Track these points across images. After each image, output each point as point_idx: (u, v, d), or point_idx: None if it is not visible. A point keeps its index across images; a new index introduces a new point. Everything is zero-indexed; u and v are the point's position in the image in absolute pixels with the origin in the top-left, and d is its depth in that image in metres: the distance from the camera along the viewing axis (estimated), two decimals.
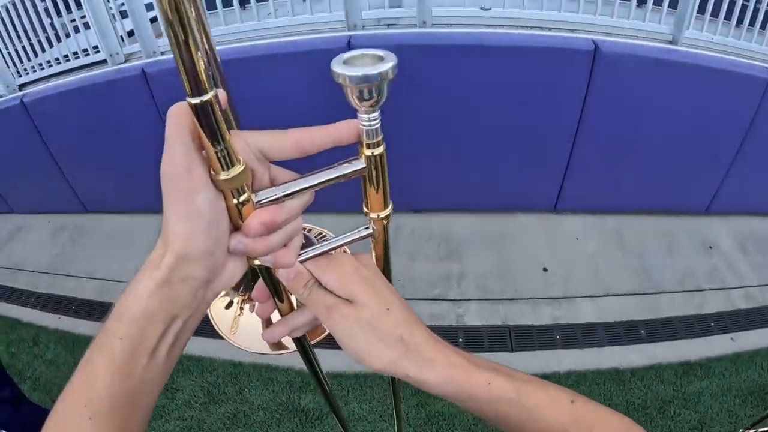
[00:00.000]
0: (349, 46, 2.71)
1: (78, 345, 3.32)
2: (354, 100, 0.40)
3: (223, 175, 0.38)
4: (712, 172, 3.26)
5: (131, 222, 4.27)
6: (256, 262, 0.46)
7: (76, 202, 4.39)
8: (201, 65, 0.34)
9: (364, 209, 0.49)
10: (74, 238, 4.35)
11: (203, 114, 0.35)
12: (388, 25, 2.90)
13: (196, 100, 0.35)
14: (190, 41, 0.33)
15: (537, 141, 3.01)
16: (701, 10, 2.90)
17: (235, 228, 0.43)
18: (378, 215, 0.50)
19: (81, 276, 3.90)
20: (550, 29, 2.88)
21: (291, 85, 2.91)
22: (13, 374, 3.19)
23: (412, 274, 3.11)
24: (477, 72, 2.74)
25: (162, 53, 3.21)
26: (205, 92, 0.35)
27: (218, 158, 0.37)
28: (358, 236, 0.53)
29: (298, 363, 2.74)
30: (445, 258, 3.17)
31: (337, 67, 0.38)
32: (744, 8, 2.86)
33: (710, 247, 3.23)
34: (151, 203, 4.08)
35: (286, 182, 0.43)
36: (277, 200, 0.42)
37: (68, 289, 3.83)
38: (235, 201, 0.40)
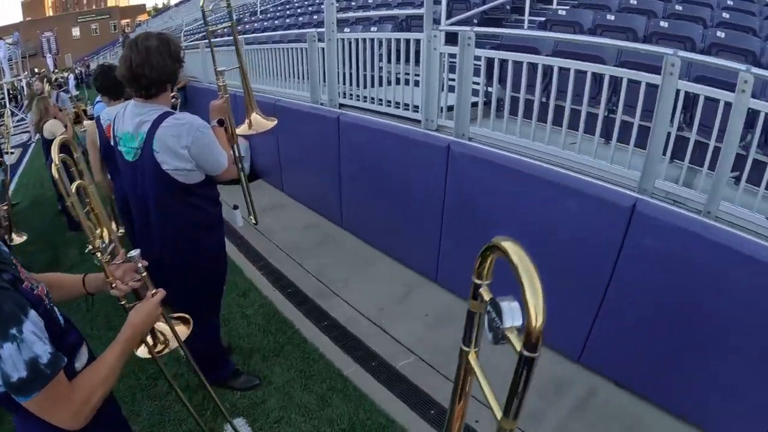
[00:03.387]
0: (634, 208, 2.73)
1: (276, 320, 3.82)
2: None
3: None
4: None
5: (373, 255, 4.74)
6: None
7: (337, 214, 5.11)
8: None
9: None
10: (320, 240, 5.03)
11: None
12: (674, 201, 2.85)
13: None
14: None
15: None
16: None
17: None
18: None
19: (309, 271, 4.52)
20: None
21: (562, 217, 3.04)
22: None
23: None
24: (745, 281, 2.52)
25: (470, 138, 3.62)
26: None
27: None
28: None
29: None
30: None
31: None
32: None
33: None
34: (398, 251, 4.50)
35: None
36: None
37: (294, 275, 4.46)
38: None
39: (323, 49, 4.86)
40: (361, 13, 6.99)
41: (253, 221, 3.26)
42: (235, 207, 5.23)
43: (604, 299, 3.03)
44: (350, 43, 4.64)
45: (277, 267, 4.58)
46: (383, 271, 4.49)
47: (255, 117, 2.81)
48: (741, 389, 2.74)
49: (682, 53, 2.75)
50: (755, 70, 2.56)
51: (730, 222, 2.71)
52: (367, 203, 4.62)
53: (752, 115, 2.68)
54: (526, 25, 6.07)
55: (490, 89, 3.91)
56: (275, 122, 2.85)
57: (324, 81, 5.05)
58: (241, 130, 2.76)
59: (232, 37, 2.80)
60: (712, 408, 2.91)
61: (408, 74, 4.26)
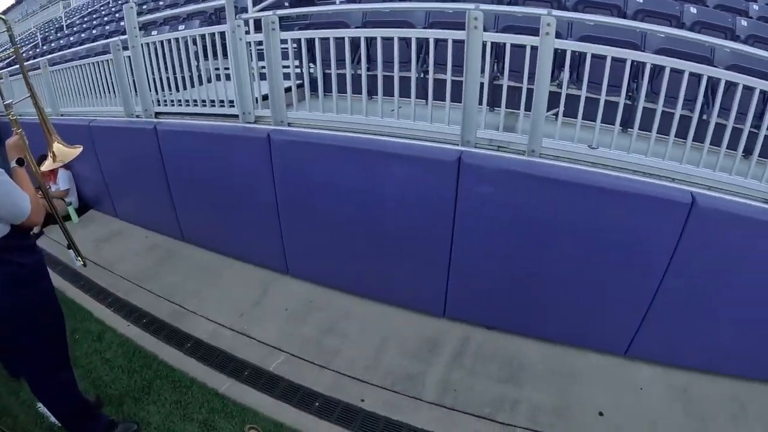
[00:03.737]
0: (460, 160, 2.88)
1: (137, 356, 3.53)
2: None
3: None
4: None
5: (221, 262, 4.57)
6: None
7: (176, 228, 4.78)
8: None
9: None
10: (164, 260, 4.70)
11: None
12: (498, 147, 3.06)
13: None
14: None
15: (620, 283, 3.00)
16: None
17: None
18: None
19: (160, 295, 4.19)
20: (651, 175, 2.94)
21: (393, 183, 3.12)
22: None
23: (469, 388, 3.11)
24: (574, 206, 2.83)
25: (289, 124, 3.54)
26: None
27: None
28: None
29: None
30: (504, 380, 3.16)
31: None
32: None
33: None
34: (245, 252, 4.44)
35: None
36: None
37: (145, 303, 4.11)
38: None
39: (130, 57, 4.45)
40: (166, 12, 6.49)
41: (81, 263, 3.01)
42: (69, 246, 4.68)
43: (452, 251, 3.19)
44: (156, 46, 4.29)
45: (127, 300, 4.20)
46: (234, 276, 4.35)
47: (57, 147, 2.48)
48: (587, 302, 3.08)
49: (484, 6, 2.88)
50: (556, 12, 2.76)
51: (555, 156, 2.96)
52: (203, 211, 4.41)
53: (561, 55, 2.91)
54: (338, 0, 6.07)
55: (311, 71, 3.86)
56: (80, 149, 2.56)
57: (135, 91, 4.64)
58: (46, 166, 2.47)
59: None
60: (568, 323, 3.25)
61: (226, 69, 4.04)
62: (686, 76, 2.75)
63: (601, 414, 2.95)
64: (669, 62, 2.79)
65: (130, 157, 4.71)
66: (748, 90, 2.71)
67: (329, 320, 3.69)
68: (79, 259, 2.96)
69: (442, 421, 2.88)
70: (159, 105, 4.51)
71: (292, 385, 3.21)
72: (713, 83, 2.93)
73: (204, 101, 4.13)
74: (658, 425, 2.88)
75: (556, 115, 3.03)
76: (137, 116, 4.70)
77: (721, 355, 3.14)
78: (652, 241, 2.85)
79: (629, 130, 3.01)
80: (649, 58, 2.84)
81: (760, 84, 2.71)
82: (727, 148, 2.82)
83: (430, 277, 3.37)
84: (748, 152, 2.88)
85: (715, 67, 2.97)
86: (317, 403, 3.07)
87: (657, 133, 2.86)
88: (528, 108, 2.94)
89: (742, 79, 2.73)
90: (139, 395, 3.21)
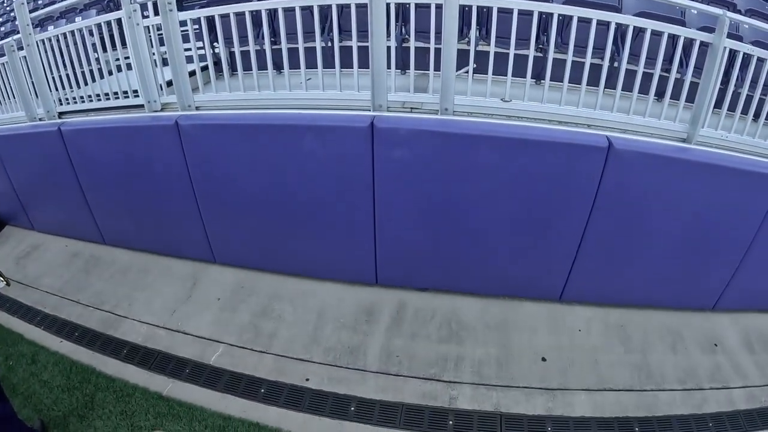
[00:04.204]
0: (372, 126, 2.82)
1: (75, 371, 3.36)
2: None
3: None
4: (720, 270, 3.26)
5: (146, 261, 4.37)
6: None
7: (95, 232, 4.52)
8: None
9: None
10: (88, 268, 4.46)
11: None
12: (411, 108, 3.02)
13: None
14: None
15: (546, 230, 3.07)
16: (718, 104, 2.96)
17: None
18: None
19: (89, 305, 3.98)
20: (566, 123, 2.97)
21: (308, 156, 3.03)
22: (7, 387, 3.24)
23: (411, 353, 3.13)
24: (491, 160, 2.83)
25: (197, 108, 3.36)
26: None
27: None
28: None
29: (285, 425, 2.76)
30: (445, 340, 3.19)
31: None
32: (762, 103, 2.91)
33: (715, 345, 3.19)
34: (169, 246, 4.26)
35: None
36: None
37: (74, 315, 3.90)
38: None
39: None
40: (59, 5, 6.02)
41: (3, 283, 2.82)
42: None
43: (376, 217, 3.15)
44: (53, 42, 3.97)
45: (55, 315, 3.97)
46: (162, 273, 4.20)
47: None
48: (516, 253, 3.11)
49: None
50: None
51: (468, 113, 2.93)
52: (120, 210, 4.19)
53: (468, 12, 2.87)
54: None
55: (215, 50, 3.67)
56: None
57: (36, 93, 4.30)
58: None
59: None
60: (500, 276, 3.29)
61: (127, 58, 3.79)
62: (594, 24, 2.77)
63: (543, 359, 3.03)
64: (577, 12, 2.80)
65: (38, 163, 4.38)
66: (657, 35, 2.76)
67: (262, 304, 3.62)
68: (1, 279, 2.78)
69: (390, 388, 2.89)
70: (62, 104, 4.20)
71: (235, 375, 3.14)
72: (622, 30, 2.98)
73: (107, 95, 3.87)
74: (600, 363, 2.98)
75: (468, 72, 3.01)
76: (40, 119, 4.36)
77: (651, 289, 3.27)
78: (573, 186, 2.91)
79: (542, 82, 3.02)
80: (558, 9, 2.85)
81: (667, 28, 2.77)
82: (641, 93, 2.88)
83: (358, 246, 3.34)
84: (661, 95, 2.95)
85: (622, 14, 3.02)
86: (263, 390, 3.02)
87: (569, 83, 2.89)
88: (437, 68, 2.90)
89: (650, 25, 2.79)
90: (84, 412, 3.10)
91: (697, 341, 3.16)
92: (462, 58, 2.87)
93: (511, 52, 2.85)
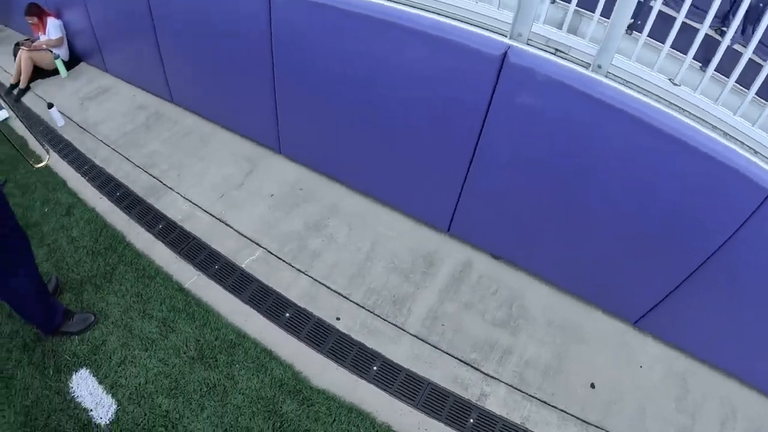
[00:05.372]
0: (505, 57, 2.21)
1: (104, 236, 3.23)
2: None
3: None
4: None
5: (209, 131, 4.07)
6: None
7: (165, 88, 4.24)
8: None
9: None
10: (150, 123, 4.23)
11: None
12: (556, 50, 2.37)
13: None
14: None
15: (665, 248, 2.42)
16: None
17: None
18: None
19: (139, 165, 3.80)
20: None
21: (414, 68, 2.47)
22: (35, 235, 3.11)
23: (459, 325, 2.73)
24: (651, 159, 2.16)
25: None
26: None
27: None
28: None
29: (299, 363, 2.48)
30: (500, 323, 2.76)
31: None
32: None
33: None
34: (236, 121, 3.90)
35: None
36: None
37: (122, 173, 3.74)
38: None
39: None
40: None
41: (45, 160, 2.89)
42: (50, 105, 4.24)
43: (472, 164, 2.64)
44: None
45: (104, 168, 3.81)
46: (221, 147, 3.88)
47: None
48: (616, 258, 2.55)
49: None
50: None
51: (625, 81, 2.29)
52: (192, 70, 3.80)
53: None
54: None
55: None
56: None
57: None
58: None
59: None
60: (584, 274, 2.76)
61: None
62: None
63: (593, 386, 2.59)
64: None
65: (118, 4, 4.06)
66: None
67: (316, 215, 3.28)
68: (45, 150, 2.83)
69: (422, 359, 2.55)
70: None
71: (264, 288, 2.89)
72: None
73: None
74: (647, 412, 2.52)
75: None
76: None
77: (728, 353, 2.65)
78: None
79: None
80: None
81: None
82: None
83: (440, 187, 2.84)
84: None
85: None
86: (288, 314, 2.75)
87: None
88: (606, 13, 2.21)
89: None
90: (101, 282, 2.99)
91: (747, 425, 2.59)
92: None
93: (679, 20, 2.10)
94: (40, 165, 3.02)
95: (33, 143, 4.01)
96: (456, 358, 2.56)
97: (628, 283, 2.65)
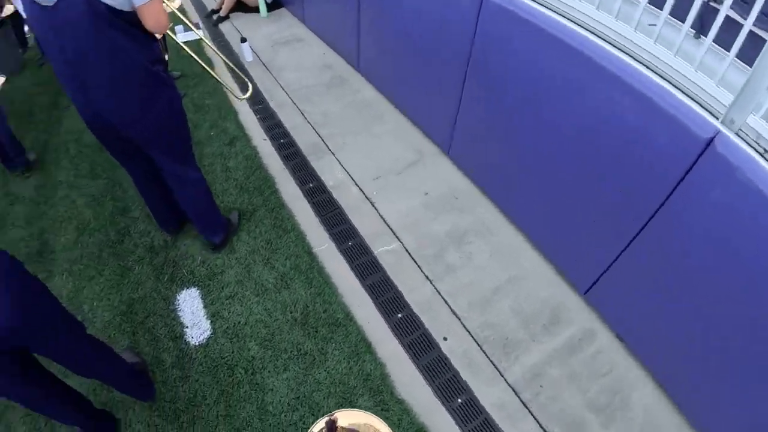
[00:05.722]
0: (711, 143, 1.80)
1: (256, 176, 3.38)
2: None
3: None
4: None
5: (386, 110, 3.97)
6: None
7: (355, 56, 4.24)
8: None
9: None
10: (331, 85, 4.25)
11: None
12: (765, 150, 1.85)
13: None
14: None
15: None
16: None
17: None
18: None
19: (308, 120, 3.85)
20: None
21: (617, 122, 2.15)
22: (195, 153, 3.25)
23: (556, 393, 2.33)
24: None
25: None
26: None
27: None
28: None
29: (392, 366, 2.36)
30: (596, 408, 2.26)
31: None
32: None
33: None
34: (414, 112, 3.72)
35: None
36: None
37: (291, 121, 3.84)
38: None
39: None
40: None
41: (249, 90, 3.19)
42: (243, 40, 4.49)
43: (640, 233, 2.29)
44: None
45: (275, 111, 3.93)
46: (393, 130, 3.78)
47: None
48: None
49: None
50: None
51: None
52: (387, 47, 3.70)
53: None
54: None
55: None
56: None
57: None
58: None
59: None
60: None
61: None
62: None
63: None
64: None
65: None
66: None
67: (463, 229, 3.06)
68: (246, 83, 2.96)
69: (505, 411, 2.26)
70: None
71: (387, 281, 2.77)
72: None
73: None
74: None
75: None
76: None
77: None
78: None
79: None
80: None
81: None
82: None
83: (597, 248, 2.49)
84: None
85: None
86: (400, 315, 2.62)
87: None
88: None
89: None
90: (262, 215, 3.12)
91: None
92: None
93: None
94: (243, 96, 3.16)
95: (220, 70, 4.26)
96: (540, 424, 2.25)
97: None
